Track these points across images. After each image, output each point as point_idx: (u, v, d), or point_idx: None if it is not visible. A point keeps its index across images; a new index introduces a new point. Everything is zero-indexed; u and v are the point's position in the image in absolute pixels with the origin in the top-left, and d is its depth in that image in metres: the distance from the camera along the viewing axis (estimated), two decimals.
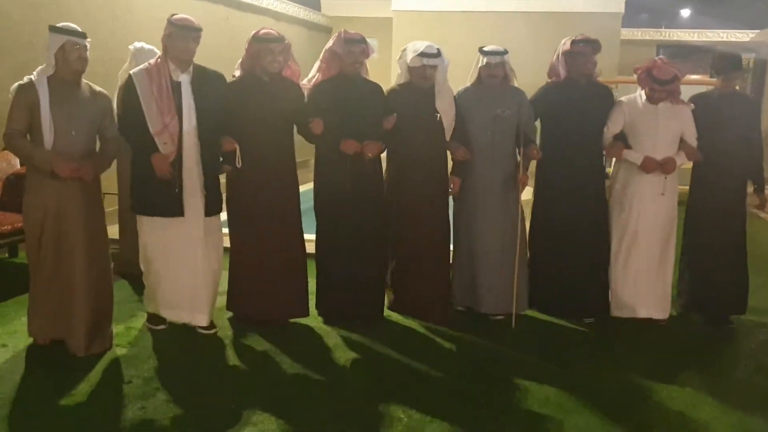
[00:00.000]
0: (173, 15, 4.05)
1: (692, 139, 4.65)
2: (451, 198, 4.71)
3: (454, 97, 4.60)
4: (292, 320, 4.57)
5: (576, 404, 3.59)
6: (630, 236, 4.70)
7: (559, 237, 4.72)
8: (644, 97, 4.64)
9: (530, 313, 4.86)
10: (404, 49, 4.52)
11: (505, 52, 4.62)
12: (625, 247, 4.73)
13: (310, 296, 4.59)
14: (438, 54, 4.42)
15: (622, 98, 4.76)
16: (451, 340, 4.43)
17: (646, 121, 4.60)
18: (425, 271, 4.60)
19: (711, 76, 4.92)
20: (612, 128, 4.67)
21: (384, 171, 4.63)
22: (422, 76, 4.43)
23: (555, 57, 4.71)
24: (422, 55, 4.38)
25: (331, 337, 4.41)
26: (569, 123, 4.62)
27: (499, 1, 11.60)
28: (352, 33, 4.43)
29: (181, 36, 3.98)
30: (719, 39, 15.10)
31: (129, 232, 4.98)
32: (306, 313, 4.56)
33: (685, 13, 24.65)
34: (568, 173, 4.66)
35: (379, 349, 4.26)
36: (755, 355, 4.41)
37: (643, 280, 4.73)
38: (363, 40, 4.43)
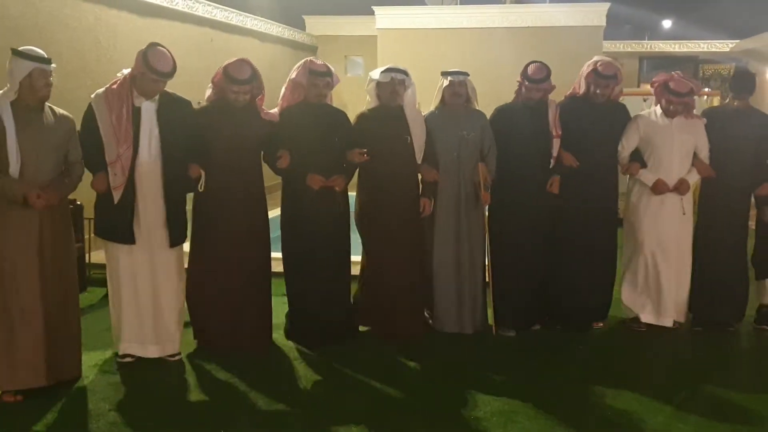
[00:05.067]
0: (149, 54, 3.90)
1: (705, 152, 4.73)
2: None
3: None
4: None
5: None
6: (648, 249, 4.75)
7: (573, 249, 4.80)
8: (659, 112, 4.72)
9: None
10: (370, 75, 4.60)
11: (467, 74, 4.71)
12: (643, 259, 4.78)
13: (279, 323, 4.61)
14: (406, 73, 4.51)
15: (638, 114, 4.84)
16: (423, 360, 4.39)
17: (661, 136, 4.67)
18: (399, 293, 4.59)
19: (726, 95, 4.95)
20: (627, 145, 4.76)
21: (356, 195, 4.68)
22: (391, 91, 4.48)
23: (580, 73, 4.81)
24: (389, 70, 4.49)
25: (297, 362, 4.34)
26: (585, 137, 4.70)
27: (482, 18, 11.68)
28: (318, 64, 4.43)
29: (154, 80, 3.93)
30: (701, 50, 15.26)
31: None
32: (269, 342, 4.53)
33: (667, 23, 24.95)
34: (581, 185, 4.72)
35: (350, 373, 4.19)
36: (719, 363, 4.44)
37: (664, 289, 4.77)
38: (328, 73, 4.43)
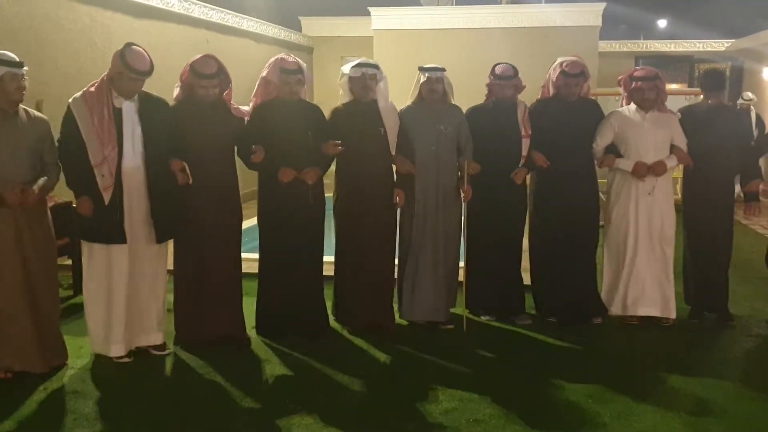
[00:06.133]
0: (126, 53, 3.93)
1: (682, 145, 4.78)
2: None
3: (398, 113, 4.74)
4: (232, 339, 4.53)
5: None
6: (628, 238, 4.82)
7: (556, 245, 4.88)
8: (633, 108, 4.78)
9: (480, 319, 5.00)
10: (342, 70, 4.67)
11: (444, 69, 4.76)
12: (624, 250, 4.85)
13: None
14: (377, 66, 4.59)
15: (612, 111, 4.90)
16: (398, 353, 4.45)
17: (635, 131, 4.73)
18: (371, 283, 4.70)
19: (702, 91, 5.05)
20: (601, 141, 4.83)
21: (333, 190, 4.74)
22: (363, 85, 4.55)
23: (547, 76, 4.90)
24: (360, 65, 4.55)
25: (271, 356, 4.40)
26: (561, 136, 4.76)
27: (478, 18, 11.69)
28: (289, 62, 4.47)
29: (133, 79, 3.96)
30: (696, 49, 15.28)
31: None
32: (243, 331, 4.58)
33: (662, 23, 25.01)
34: (561, 184, 4.79)
35: (325, 369, 4.21)
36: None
37: (643, 279, 4.84)
38: (299, 70, 4.46)
